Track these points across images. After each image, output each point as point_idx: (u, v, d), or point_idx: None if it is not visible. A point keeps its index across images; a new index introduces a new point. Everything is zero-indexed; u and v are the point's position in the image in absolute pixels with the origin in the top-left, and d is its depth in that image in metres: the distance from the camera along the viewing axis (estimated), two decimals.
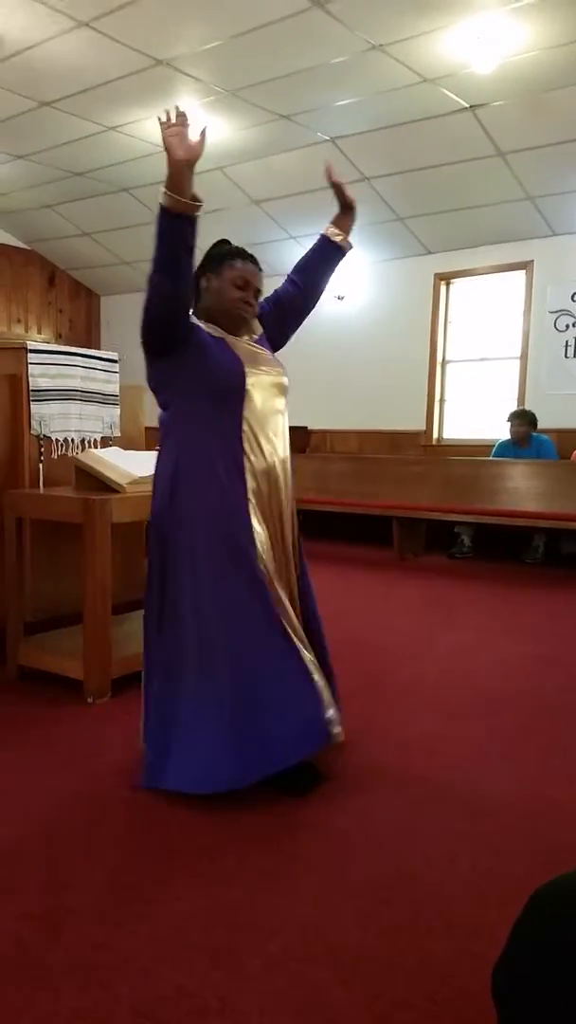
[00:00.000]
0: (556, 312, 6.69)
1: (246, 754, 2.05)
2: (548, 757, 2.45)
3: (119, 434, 3.73)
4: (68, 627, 3.30)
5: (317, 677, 2.17)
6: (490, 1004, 1.00)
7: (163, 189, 1.85)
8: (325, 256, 2.37)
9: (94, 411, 3.60)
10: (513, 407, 6.65)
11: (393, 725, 2.68)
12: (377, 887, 1.74)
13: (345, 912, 1.64)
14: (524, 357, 6.90)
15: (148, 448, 4.05)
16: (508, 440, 6.30)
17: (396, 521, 6.17)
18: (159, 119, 1.85)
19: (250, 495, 2.10)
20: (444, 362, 7.49)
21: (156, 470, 2.17)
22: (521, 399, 6.88)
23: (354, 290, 7.68)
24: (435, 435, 7.52)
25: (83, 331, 9.73)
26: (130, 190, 7.34)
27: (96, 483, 3.02)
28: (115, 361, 3.72)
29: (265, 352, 2.25)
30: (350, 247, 2.40)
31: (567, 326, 6.64)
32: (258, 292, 2.23)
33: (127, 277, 9.19)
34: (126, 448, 3.54)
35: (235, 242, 2.29)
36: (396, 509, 6.08)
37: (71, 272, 9.54)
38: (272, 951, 1.52)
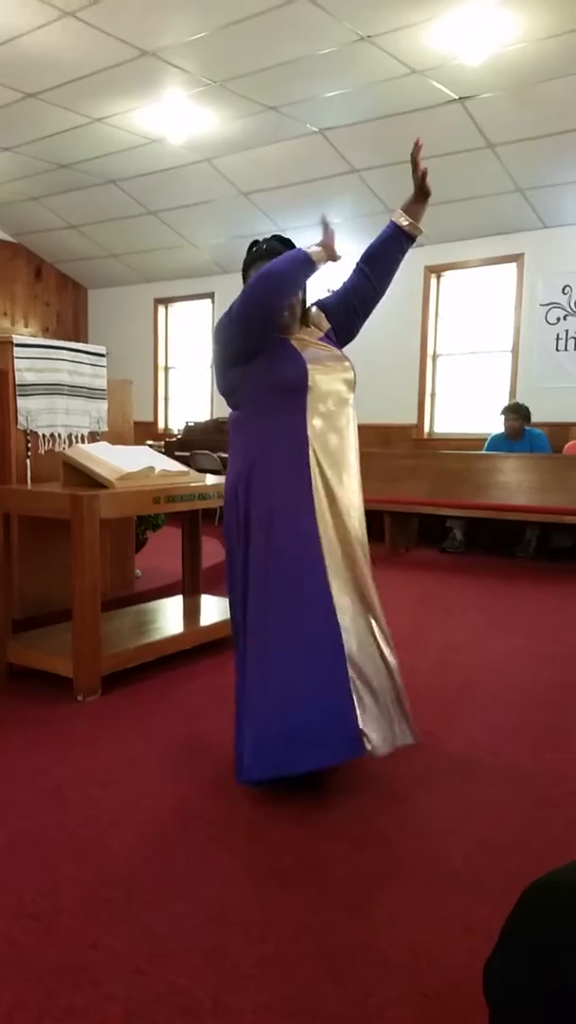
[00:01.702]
0: (547, 305, 6.68)
1: (268, 749, 2.04)
2: (540, 752, 2.45)
3: (106, 429, 3.71)
4: (57, 624, 3.27)
5: (364, 685, 2.11)
6: (483, 1000, 1.00)
7: (316, 251, 2.12)
8: (395, 244, 2.34)
9: (81, 406, 3.58)
10: (504, 401, 6.64)
11: None
12: (369, 883, 1.73)
13: (337, 909, 1.64)
14: (515, 350, 6.90)
15: (136, 443, 4.03)
16: (501, 434, 6.30)
17: (387, 515, 6.17)
18: (325, 224, 2.16)
19: (315, 490, 2.12)
20: (435, 355, 7.48)
21: (229, 465, 2.26)
22: (512, 392, 6.87)
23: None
24: (426, 429, 7.51)
25: (70, 324, 9.67)
26: (117, 182, 7.28)
27: (84, 479, 2.99)
28: (103, 355, 3.69)
29: (329, 348, 2.26)
30: (420, 233, 2.38)
31: (558, 319, 6.64)
32: None
33: (114, 270, 9.13)
34: (114, 443, 3.51)
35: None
36: (387, 503, 6.07)
37: (58, 265, 9.48)
38: (265, 949, 1.51)
